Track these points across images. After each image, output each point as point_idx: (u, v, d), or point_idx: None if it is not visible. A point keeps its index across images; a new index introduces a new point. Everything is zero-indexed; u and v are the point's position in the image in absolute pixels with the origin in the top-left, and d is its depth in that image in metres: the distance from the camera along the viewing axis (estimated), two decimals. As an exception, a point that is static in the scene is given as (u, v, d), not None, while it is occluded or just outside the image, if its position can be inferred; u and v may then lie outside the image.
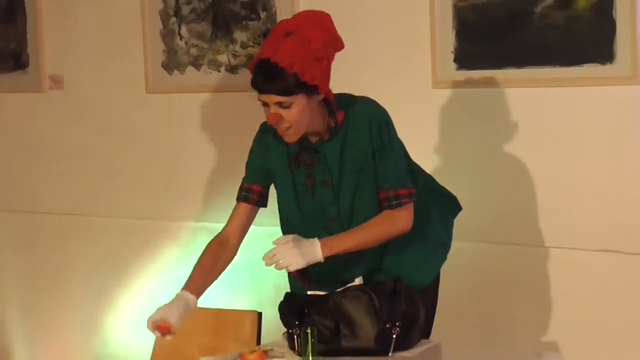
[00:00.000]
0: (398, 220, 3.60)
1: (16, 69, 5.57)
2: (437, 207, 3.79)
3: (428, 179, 3.82)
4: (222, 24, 4.91)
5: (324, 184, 3.66)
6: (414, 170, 3.74)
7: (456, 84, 4.25)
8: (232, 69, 4.91)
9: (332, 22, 3.57)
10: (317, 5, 4.55)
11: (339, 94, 3.66)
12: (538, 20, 4.16)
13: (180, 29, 5.04)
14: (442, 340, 3.64)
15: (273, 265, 3.52)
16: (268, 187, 3.78)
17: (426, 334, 3.71)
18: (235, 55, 4.90)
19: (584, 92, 4.13)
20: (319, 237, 3.55)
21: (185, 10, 5.01)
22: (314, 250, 3.51)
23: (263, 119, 4.82)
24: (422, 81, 4.31)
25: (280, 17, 4.69)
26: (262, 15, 4.80)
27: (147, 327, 3.60)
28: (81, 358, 5.47)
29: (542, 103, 4.21)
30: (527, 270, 4.30)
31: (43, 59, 5.48)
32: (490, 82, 4.28)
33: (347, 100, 3.66)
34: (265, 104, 3.54)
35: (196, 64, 5.01)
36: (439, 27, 4.37)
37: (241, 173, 4.88)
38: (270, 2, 4.77)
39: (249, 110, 4.82)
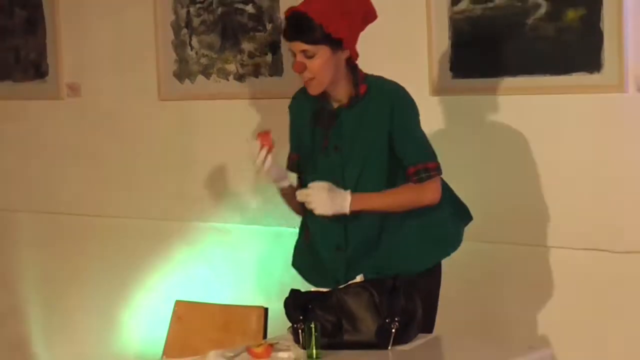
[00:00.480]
0: (427, 191, 3.65)
1: (36, 78, 5.55)
2: (450, 204, 3.78)
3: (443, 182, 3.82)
4: (230, 35, 4.91)
5: (336, 148, 3.71)
6: None
7: (452, 92, 4.24)
8: (240, 78, 4.91)
9: None
10: None
11: (371, 74, 3.73)
12: (529, 31, 4.15)
13: (191, 39, 5.03)
14: (439, 335, 3.63)
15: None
16: None
17: (429, 328, 3.71)
18: (242, 65, 4.89)
19: (573, 99, 4.11)
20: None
21: (195, 22, 5.01)
22: (343, 202, 3.56)
23: (268, 125, 4.85)
24: (420, 89, 4.23)
25: None
26: (268, 26, 4.79)
27: (248, 140, 3.71)
28: (97, 351, 5.45)
29: (533, 109, 4.21)
30: (520, 268, 4.29)
31: (61, 68, 5.47)
32: (485, 90, 4.28)
33: (376, 78, 3.73)
34: (293, 54, 3.63)
35: (206, 72, 5.01)
36: (436, 38, 4.35)
37: (248, 176, 4.90)
38: (276, 14, 4.75)
39: (256, 117, 4.85)
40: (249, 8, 4.84)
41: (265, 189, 4.78)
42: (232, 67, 4.95)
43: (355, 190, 3.64)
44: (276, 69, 4.82)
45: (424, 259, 3.75)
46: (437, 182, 3.67)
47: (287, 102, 4.64)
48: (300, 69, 3.62)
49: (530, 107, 4.22)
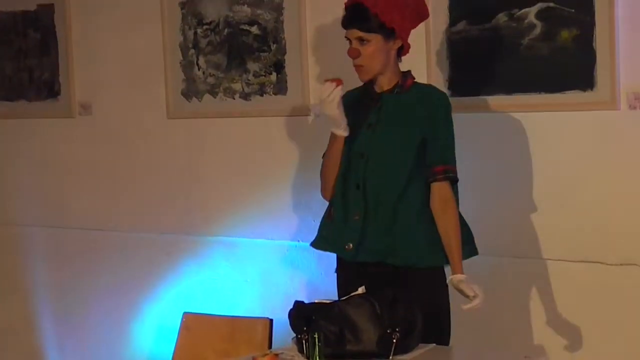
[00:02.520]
0: (451, 199, 3.76)
1: (49, 97, 5.54)
2: (463, 225, 3.83)
3: None
4: (236, 55, 4.91)
5: (369, 126, 3.80)
6: None
7: None
8: (245, 96, 4.91)
9: None
10: (323, 39, 4.62)
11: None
12: (525, 51, 4.15)
13: (198, 60, 5.03)
14: (438, 345, 3.63)
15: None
16: None
17: (444, 337, 3.78)
18: (248, 84, 4.89)
19: (567, 116, 4.12)
20: (361, 181, 3.76)
21: (202, 43, 5.00)
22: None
23: (275, 142, 4.85)
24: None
25: (289, 48, 4.73)
26: (273, 47, 4.78)
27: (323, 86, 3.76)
28: None
29: (528, 126, 4.20)
30: (516, 279, 4.28)
31: (74, 88, 5.46)
32: (482, 107, 4.29)
33: (425, 84, 3.93)
34: (349, 41, 3.75)
35: (213, 91, 5.00)
36: (434, 58, 4.36)
37: (254, 191, 4.90)
38: (281, 35, 4.75)
39: (261, 134, 4.88)
40: (254, 29, 4.84)
41: (271, 203, 4.79)
42: (238, 86, 4.94)
43: (375, 163, 3.77)
44: (280, 88, 4.81)
45: (432, 257, 3.78)
46: (454, 186, 3.79)
47: (292, 119, 4.78)
48: (355, 54, 3.75)
49: (526, 124, 4.22)
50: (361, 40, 3.73)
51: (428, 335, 3.57)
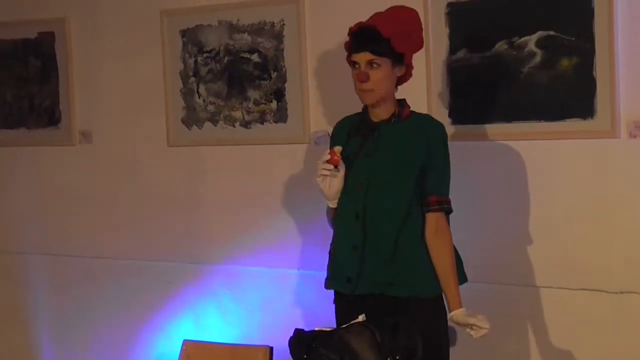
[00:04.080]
0: (443, 230, 3.74)
1: (50, 125, 5.54)
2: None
3: None
4: (236, 83, 4.91)
5: (367, 156, 3.79)
6: None
7: (451, 137, 4.18)
8: (245, 124, 4.90)
9: (421, 24, 3.87)
10: (323, 67, 4.64)
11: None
12: (525, 79, 4.16)
13: (198, 88, 5.03)
14: None
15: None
16: None
17: None
18: (248, 112, 4.88)
19: (567, 144, 4.12)
20: (361, 211, 3.75)
21: (203, 71, 5.01)
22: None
23: (275, 170, 4.86)
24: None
25: (290, 76, 4.73)
26: (273, 75, 4.79)
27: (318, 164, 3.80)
28: None
29: (528, 154, 4.21)
30: (516, 307, 4.27)
31: (74, 116, 5.45)
32: (481, 135, 4.29)
33: (421, 113, 3.91)
34: (355, 65, 3.76)
35: (213, 119, 5.00)
36: (435, 86, 4.37)
37: (255, 219, 4.92)
38: (281, 63, 4.76)
39: (262, 161, 4.91)
40: (255, 57, 4.84)
41: (271, 231, 4.81)
42: (238, 114, 4.93)
43: (375, 193, 3.76)
44: (281, 116, 4.81)
45: (434, 286, 3.75)
46: (445, 217, 3.78)
47: (292, 147, 4.82)
48: (364, 78, 3.74)
49: (526, 152, 4.22)
50: (371, 64, 3.73)
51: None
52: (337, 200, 3.83)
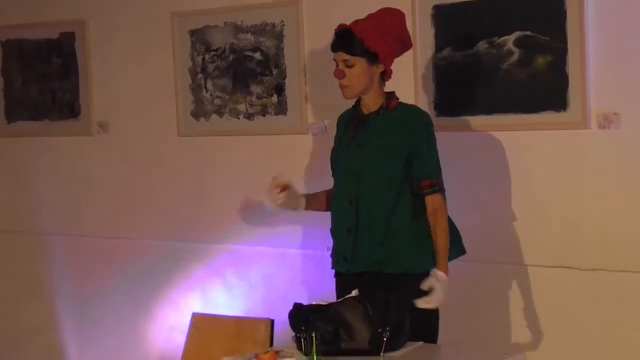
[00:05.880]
0: (442, 205, 3.76)
1: (70, 117, 5.54)
2: (450, 224, 3.84)
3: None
4: (240, 79, 4.91)
5: (359, 146, 3.81)
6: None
7: (436, 128, 4.09)
8: (249, 117, 4.91)
9: (405, 25, 3.83)
10: (319, 64, 4.58)
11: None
12: (503, 75, 4.17)
13: (206, 83, 5.03)
14: (424, 344, 3.61)
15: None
16: None
17: (433, 338, 3.75)
18: (251, 105, 4.89)
19: (542, 134, 4.13)
20: (354, 197, 3.77)
21: (210, 67, 5.01)
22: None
23: (275, 158, 4.76)
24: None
25: (289, 72, 4.74)
26: (274, 71, 4.79)
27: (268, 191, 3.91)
28: (124, 358, 5.42)
29: (507, 144, 4.22)
30: (497, 283, 4.28)
31: (92, 109, 5.46)
32: (464, 127, 4.29)
33: (408, 104, 3.91)
34: (336, 64, 3.78)
35: (219, 112, 5.00)
36: (421, 81, 4.36)
37: (257, 202, 4.84)
38: (281, 60, 4.77)
39: (263, 151, 4.85)
40: (257, 55, 4.85)
41: (271, 214, 4.77)
42: (242, 107, 4.95)
43: (366, 180, 3.76)
44: (281, 109, 4.82)
45: (423, 262, 3.75)
46: (442, 195, 3.77)
47: (291, 137, 4.75)
48: (340, 75, 3.77)
49: (505, 141, 4.23)
50: (347, 62, 3.75)
51: (418, 334, 3.58)
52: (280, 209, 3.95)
